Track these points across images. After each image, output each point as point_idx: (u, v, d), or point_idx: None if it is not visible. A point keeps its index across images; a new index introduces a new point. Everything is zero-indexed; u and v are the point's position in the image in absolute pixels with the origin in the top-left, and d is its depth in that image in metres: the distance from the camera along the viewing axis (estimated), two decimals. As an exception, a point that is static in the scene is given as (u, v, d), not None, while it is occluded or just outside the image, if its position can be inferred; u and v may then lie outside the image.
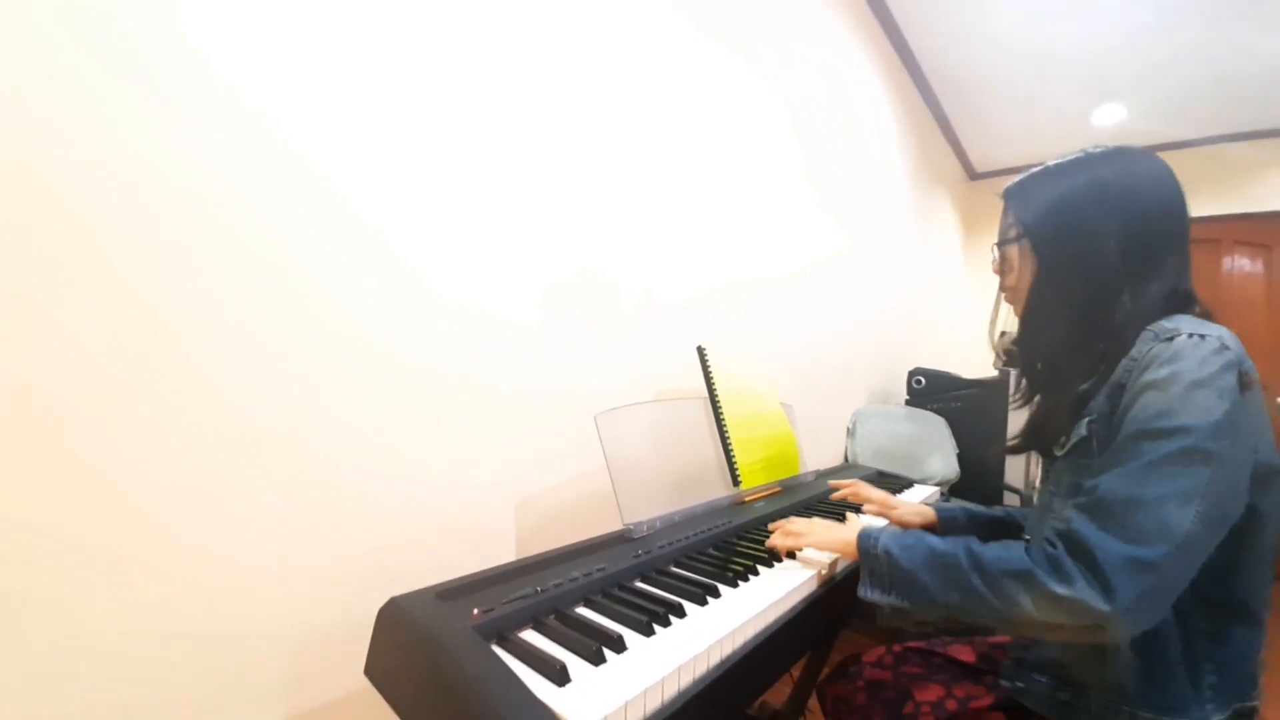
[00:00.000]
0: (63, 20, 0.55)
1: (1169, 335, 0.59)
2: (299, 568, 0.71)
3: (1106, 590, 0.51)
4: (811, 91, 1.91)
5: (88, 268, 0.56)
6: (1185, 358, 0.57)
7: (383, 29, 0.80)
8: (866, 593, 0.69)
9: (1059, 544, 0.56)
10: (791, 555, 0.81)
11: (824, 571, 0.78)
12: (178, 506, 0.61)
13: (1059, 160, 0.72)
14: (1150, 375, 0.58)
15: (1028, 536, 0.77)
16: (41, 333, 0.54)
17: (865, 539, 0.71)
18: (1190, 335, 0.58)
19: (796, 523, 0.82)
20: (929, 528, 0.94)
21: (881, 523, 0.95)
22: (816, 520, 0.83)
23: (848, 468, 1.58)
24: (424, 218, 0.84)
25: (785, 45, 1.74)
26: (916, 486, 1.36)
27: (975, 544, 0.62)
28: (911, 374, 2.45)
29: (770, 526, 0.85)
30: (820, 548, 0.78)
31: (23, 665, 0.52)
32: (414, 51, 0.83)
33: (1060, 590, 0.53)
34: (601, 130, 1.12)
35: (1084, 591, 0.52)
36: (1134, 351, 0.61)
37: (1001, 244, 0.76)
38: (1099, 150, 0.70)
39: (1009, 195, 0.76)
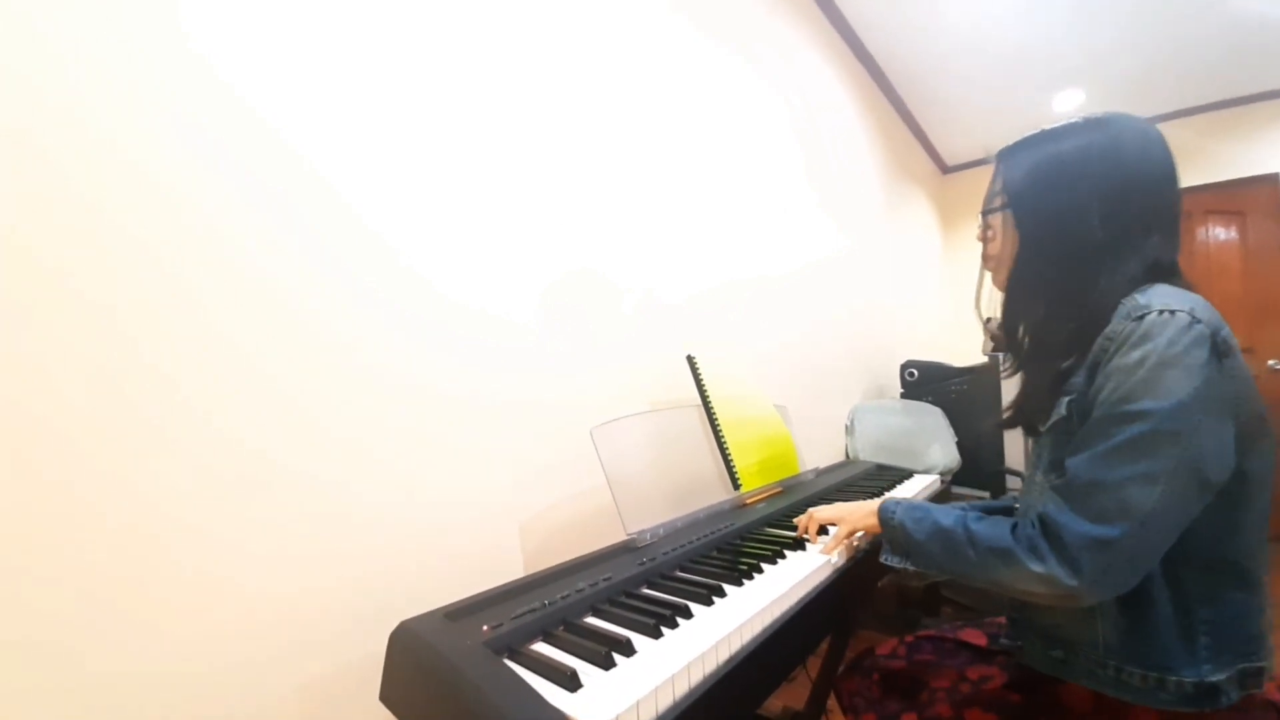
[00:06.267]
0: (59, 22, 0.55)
1: (1140, 313, 0.59)
2: (308, 600, 0.71)
3: (1074, 567, 0.57)
4: (800, 92, 1.95)
5: (85, 295, 0.56)
6: (1154, 337, 0.57)
7: (382, 26, 0.82)
8: (888, 559, 0.77)
9: (1036, 525, 0.61)
10: (824, 531, 0.88)
11: (833, 561, 0.79)
12: (181, 542, 0.61)
13: (1055, 125, 0.70)
14: (1120, 359, 0.59)
15: (1018, 506, 0.79)
16: (38, 357, 0.53)
17: (884, 512, 0.78)
18: (1160, 312, 0.58)
19: (824, 510, 0.88)
20: None
21: (909, 492, 1.15)
22: (840, 504, 0.88)
23: (848, 464, 1.59)
24: (421, 225, 0.85)
25: (774, 48, 1.78)
26: (916, 477, 1.37)
27: (972, 520, 0.68)
28: (904, 367, 2.48)
29: (796, 521, 0.90)
30: (854, 528, 0.83)
31: (20, 711, 0.51)
32: (415, 51, 0.85)
33: (1035, 568, 0.59)
34: (601, 131, 1.14)
35: (1055, 569, 0.58)
36: (1109, 329, 0.62)
37: (986, 212, 0.75)
38: (1097, 116, 0.69)
39: (1002, 157, 0.74)
